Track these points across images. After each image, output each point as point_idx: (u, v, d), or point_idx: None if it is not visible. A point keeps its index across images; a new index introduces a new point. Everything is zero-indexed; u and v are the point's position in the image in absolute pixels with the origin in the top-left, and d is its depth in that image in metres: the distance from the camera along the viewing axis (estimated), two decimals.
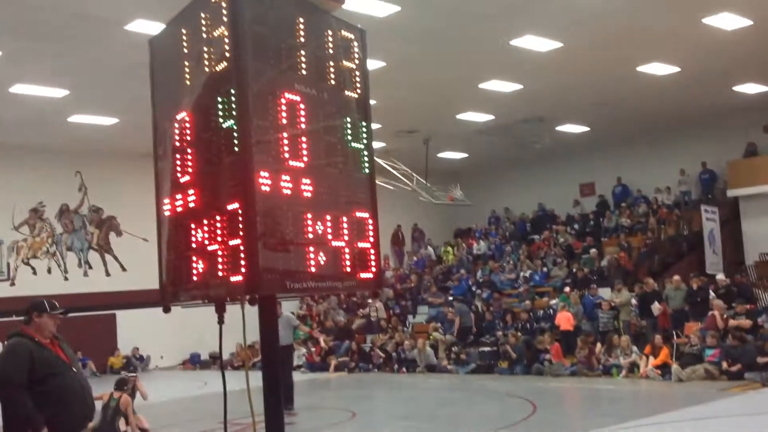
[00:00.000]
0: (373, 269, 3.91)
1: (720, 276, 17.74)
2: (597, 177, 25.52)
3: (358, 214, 3.90)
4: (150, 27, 12.67)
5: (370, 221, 3.95)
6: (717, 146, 21.87)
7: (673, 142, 23.09)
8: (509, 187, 27.84)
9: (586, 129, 23.21)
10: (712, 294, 16.83)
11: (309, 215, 3.68)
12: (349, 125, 3.93)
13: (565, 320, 17.91)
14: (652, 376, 14.78)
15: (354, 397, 15.87)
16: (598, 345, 16.65)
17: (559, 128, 22.83)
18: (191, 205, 3.87)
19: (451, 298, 22.32)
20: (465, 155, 26.36)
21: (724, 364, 14.18)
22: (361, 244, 3.87)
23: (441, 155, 25.31)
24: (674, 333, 16.23)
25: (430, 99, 19.02)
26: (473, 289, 22.70)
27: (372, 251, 3.92)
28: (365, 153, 3.98)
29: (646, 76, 17.83)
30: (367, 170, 3.98)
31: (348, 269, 3.80)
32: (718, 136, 21.97)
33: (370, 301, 23.20)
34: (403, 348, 19.58)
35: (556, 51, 15.61)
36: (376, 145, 20.88)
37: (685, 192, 23.14)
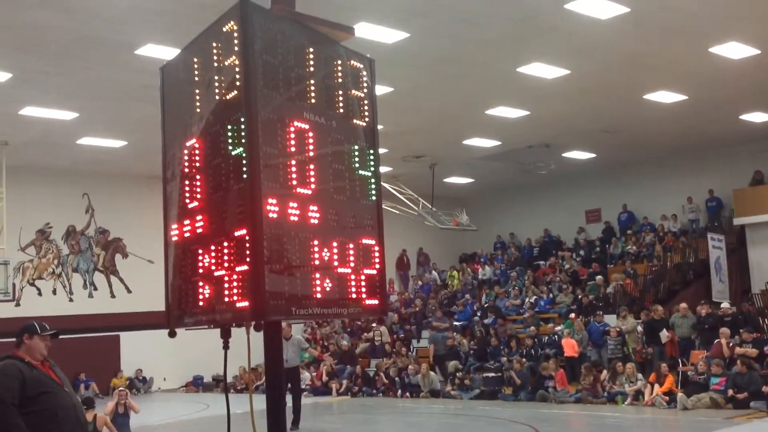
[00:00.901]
0: (379, 296, 3.93)
1: (725, 304, 17.66)
2: (603, 203, 25.51)
3: (365, 241, 3.93)
4: (160, 51, 12.78)
5: (377, 248, 3.98)
6: (724, 174, 21.88)
7: (679, 169, 23.10)
8: (515, 213, 27.84)
9: (592, 155, 23.25)
10: None
11: (316, 242, 3.71)
12: (356, 153, 3.98)
13: (569, 347, 17.83)
14: (659, 403, 14.68)
15: (357, 422, 15.80)
16: (603, 372, 16.56)
17: (566, 154, 22.87)
18: (199, 230, 3.91)
19: (456, 323, 22.30)
20: (471, 180, 26.40)
21: (730, 393, 14.08)
22: (367, 271, 3.90)
23: (447, 180, 25.36)
24: (680, 361, 16.13)
25: (437, 124, 19.10)
26: (478, 313, 22.62)
27: (378, 278, 3.94)
28: (372, 180, 4.01)
29: (653, 104, 17.89)
30: (374, 197, 4.01)
31: (353, 295, 3.83)
32: (724, 164, 21.98)
33: (374, 325, 23.13)
34: (407, 372, 19.50)
35: (563, 78, 15.69)
36: (383, 169, 20.93)
37: (692, 220, 23.12)
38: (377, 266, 3.96)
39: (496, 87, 16.42)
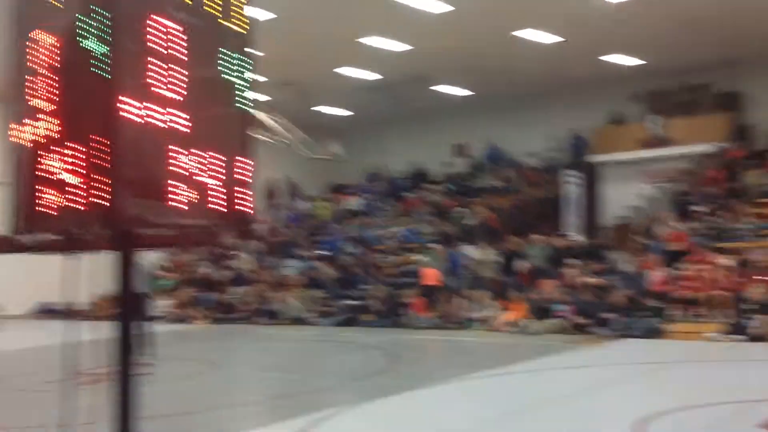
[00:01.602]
0: (243, 209, 3.80)
1: (577, 237, 18.71)
2: (472, 139, 26.03)
3: (230, 151, 3.77)
4: None
5: (243, 158, 3.83)
6: (586, 114, 22.71)
7: (545, 108, 23.79)
8: (386, 145, 27.97)
9: (465, 91, 23.56)
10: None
11: (178, 149, 3.51)
12: (226, 57, 3.76)
13: (431, 275, 18.38)
14: (510, 328, 15.51)
15: (217, 349, 15.72)
16: (460, 299, 17.25)
17: (440, 89, 23.08)
18: (49, 133, 3.61)
19: (323, 253, 22.44)
20: (345, 111, 26.23)
21: (577, 319, 15.07)
22: (231, 182, 3.75)
23: (322, 110, 25.08)
24: (532, 289, 17.01)
25: (314, 53, 18.72)
26: (344, 243, 22.83)
27: (243, 190, 3.80)
28: (242, 88, 3.83)
29: (525, 43, 18.19)
30: (242, 105, 3.84)
31: (216, 207, 3.67)
32: (587, 104, 22.78)
33: (238, 252, 22.90)
34: (270, 300, 19.54)
35: (443, 13, 15.69)
36: (259, 97, 20.26)
37: (554, 157, 24.00)
38: (243, 178, 3.82)
39: (374, 17, 16.25)
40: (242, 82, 3.82)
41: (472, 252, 19.09)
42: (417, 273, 18.95)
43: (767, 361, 11.61)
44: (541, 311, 15.83)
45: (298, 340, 16.62)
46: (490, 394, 9.38)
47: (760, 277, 14.26)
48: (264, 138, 19.90)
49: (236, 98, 3.80)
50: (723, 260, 15.20)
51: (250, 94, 3.85)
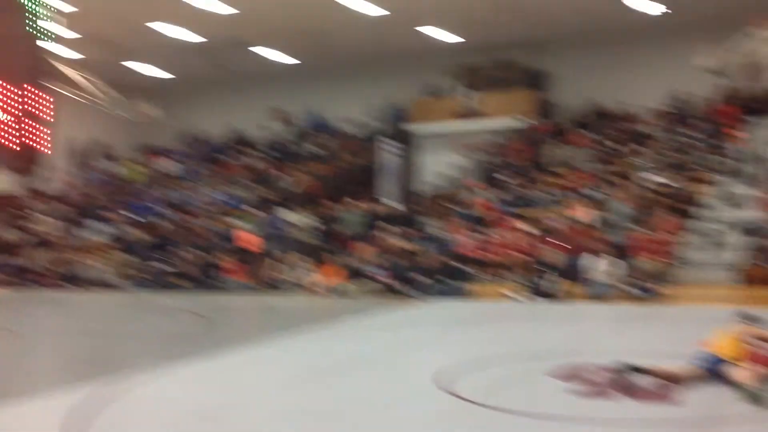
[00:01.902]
0: (35, 144, 3.53)
1: (393, 203, 19.24)
2: (293, 105, 25.87)
3: (20, 81, 3.49)
4: None
5: (36, 90, 3.55)
6: (405, 85, 23.24)
7: (365, 77, 24.06)
8: (205, 108, 27.13)
9: (288, 57, 23.29)
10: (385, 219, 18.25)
11: None
12: None
13: (247, 240, 18.22)
14: (325, 292, 15.74)
15: (15, 315, 14.68)
16: (276, 263, 17.25)
17: (263, 54, 22.67)
18: None
19: (135, 216, 21.51)
20: (163, 72, 25.06)
21: (390, 282, 15.56)
22: (21, 115, 3.48)
23: (136, 69, 23.79)
24: (348, 253, 17.33)
25: (126, 5, 17.63)
26: (158, 207, 22.02)
27: (35, 124, 3.54)
28: (34, 10, 3.54)
29: (351, 12, 18.22)
30: (34, 30, 3.55)
31: (2, 141, 3.39)
32: (406, 76, 23.32)
33: (39, 215, 21.43)
34: (76, 265, 18.52)
35: None
36: (69, 54, 18.74)
37: (373, 126, 24.41)
38: (37, 111, 3.55)
39: None
40: (35, 5, 3.53)
41: (290, 217, 19.10)
42: (233, 237, 18.69)
43: (558, 318, 12.58)
44: (357, 274, 16.17)
45: (105, 305, 15.90)
46: (300, 354, 9.44)
47: (554, 242, 15.37)
48: (74, 96, 18.60)
49: (28, 21, 3.51)
50: (523, 226, 16.26)
51: (45, 18, 3.56)
